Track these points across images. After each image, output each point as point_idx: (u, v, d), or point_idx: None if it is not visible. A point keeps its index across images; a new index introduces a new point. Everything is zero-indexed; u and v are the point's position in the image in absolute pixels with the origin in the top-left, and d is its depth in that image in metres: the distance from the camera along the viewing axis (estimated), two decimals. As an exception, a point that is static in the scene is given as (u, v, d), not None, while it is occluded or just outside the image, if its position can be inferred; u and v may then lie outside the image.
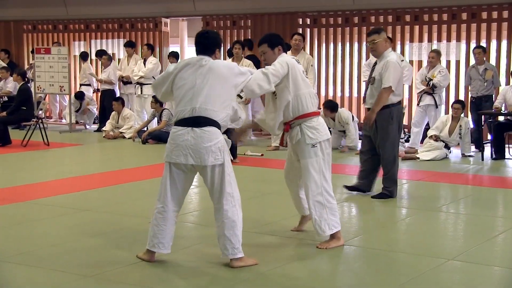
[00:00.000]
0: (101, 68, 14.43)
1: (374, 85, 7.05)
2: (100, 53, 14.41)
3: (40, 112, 13.27)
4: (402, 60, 11.33)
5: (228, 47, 12.73)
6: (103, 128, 13.11)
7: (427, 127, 11.04)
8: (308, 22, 13.29)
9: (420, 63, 12.16)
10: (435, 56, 11.01)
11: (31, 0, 16.22)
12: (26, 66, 15.94)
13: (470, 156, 10.40)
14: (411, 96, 12.42)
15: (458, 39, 12.01)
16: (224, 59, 11.85)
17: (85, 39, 16.00)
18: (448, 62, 12.04)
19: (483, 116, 10.59)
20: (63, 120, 15.51)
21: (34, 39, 16.62)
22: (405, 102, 12.45)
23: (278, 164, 8.38)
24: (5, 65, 15.31)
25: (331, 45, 13.15)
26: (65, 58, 13.47)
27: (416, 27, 12.33)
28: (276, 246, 5.47)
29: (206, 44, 4.88)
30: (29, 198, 7.27)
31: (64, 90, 13.53)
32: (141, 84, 13.15)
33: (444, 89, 11.27)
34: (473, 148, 10.69)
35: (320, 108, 11.02)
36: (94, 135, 13.54)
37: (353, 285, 4.64)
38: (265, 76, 5.06)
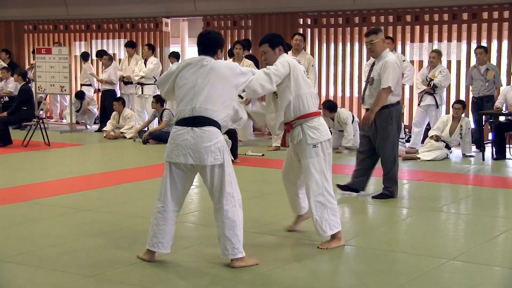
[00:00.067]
0: (102, 68, 14.43)
1: (373, 86, 7.05)
2: (101, 53, 14.42)
3: (41, 112, 13.26)
4: (404, 61, 11.37)
5: (229, 47, 12.73)
6: (104, 128, 13.12)
7: (428, 127, 11.04)
8: (309, 22, 13.29)
9: (421, 63, 12.15)
10: (436, 56, 11.00)
11: (31, 0, 16.23)
12: (27, 66, 15.94)
13: (471, 156, 10.40)
14: (411, 96, 12.42)
15: (459, 39, 12.00)
16: (225, 59, 11.84)
17: (86, 39, 16.01)
18: (449, 62, 12.04)
19: (484, 116, 10.58)
20: (64, 120, 15.51)
21: (35, 39, 16.63)
22: (406, 102, 12.47)
23: (278, 164, 8.36)
24: (6, 65, 15.32)
25: (332, 45, 13.15)
26: (66, 58, 13.47)
27: (417, 27, 12.33)
28: (276, 246, 5.47)
29: (208, 44, 4.88)
30: (29, 198, 7.27)
31: (65, 90, 13.54)
32: (142, 84, 13.15)
33: (445, 89, 11.26)
34: (474, 148, 10.68)
35: (320, 108, 11.06)
36: (95, 135, 13.54)
37: (353, 285, 4.63)
38: (267, 76, 5.06)
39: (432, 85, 10.84)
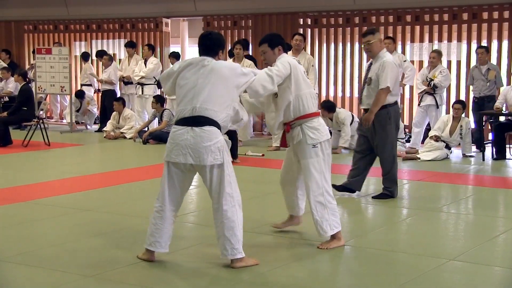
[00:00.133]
0: (102, 68, 14.43)
1: (371, 86, 7.04)
2: (101, 54, 14.43)
3: (41, 112, 13.27)
4: (405, 61, 11.38)
5: (229, 48, 12.72)
6: (104, 129, 13.12)
7: (428, 128, 11.04)
8: (309, 22, 13.29)
9: (421, 63, 12.16)
10: (436, 56, 11.00)
11: (32, 0, 16.23)
12: (27, 66, 15.94)
13: (471, 156, 10.40)
14: (412, 96, 12.42)
15: (459, 39, 12.01)
16: (225, 59, 11.84)
17: (86, 39, 16.01)
18: (449, 62, 12.04)
19: (484, 116, 10.57)
20: (64, 120, 15.51)
21: (35, 39, 16.64)
22: (406, 102, 12.48)
23: (278, 164, 8.35)
24: (6, 65, 15.32)
25: (332, 45, 13.15)
26: (66, 58, 13.47)
27: (417, 27, 12.33)
28: (276, 246, 5.47)
29: (209, 45, 4.89)
30: (29, 198, 7.27)
31: (65, 90, 13.54)
32: (142, 85, 13.15)
33: (445, 89, 11.26)
34: (474, 148, 10.68)
35: (319, 109, 11.05)
36: (95, 135, 13.54)
37: (353, 285, 4.63)
38: (269, 77, 5.06)
39: (432, 85, 10.84)
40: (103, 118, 13.77)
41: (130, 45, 13.99)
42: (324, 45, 13.26)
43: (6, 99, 14.26)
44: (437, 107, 10.96)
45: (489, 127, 11.04)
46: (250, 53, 12.99)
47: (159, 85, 13.38)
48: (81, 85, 14.99)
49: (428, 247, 5.43)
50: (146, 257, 4.94)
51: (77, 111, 14.45)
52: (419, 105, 11.15)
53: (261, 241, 5.56)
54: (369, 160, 7.31)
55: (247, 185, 7.97)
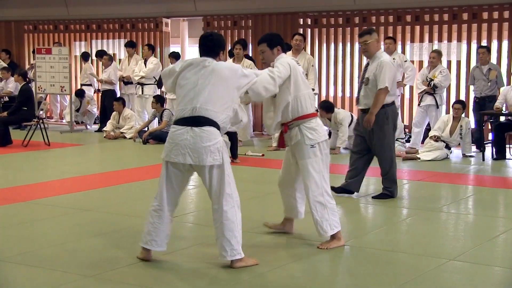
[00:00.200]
0: (102, 68, 14.43)
1: (368, 86, 7.02)
2: (101, 53, 14.43)
3: (41, 112, 13.27)
4: (406, 61, 11.37)
5: (229, 48, 12.73)
6: (104, 128, 13.12)
7: (428, 128, 11.04)
8: (309, 22, 13.29)
9: (421, 63, 12.15)
10: (436, 56, 11.00)
11: (32, 0, 16.23)
12: (27, 66, 15.94)
13: (471, 156, 10.40)
14: (412, 96, 12.42)
15: (459, 39, 12.01)
16: (225, 59, 11.85)
17: (86, 39, 16.01)
18: (449, 62, 12.04)
19: (485, 116, 10.56)
20: (64, 120, 15.51)
21: (35, 39, 16.63)
22: (406, 102, 12.49)
23: (278, 164, 8.36)
24: (6, 65, 15.32)
25: (332, 45, 13.15)
26: (66, 58, 13.47)
27: (417, 27, 12.33)
28: (276, 246, 5.47)
29: (210, 46, 4.88)
30: (29, 198, 7.27)
31: (65, 90, 13.54)
32: (142, 85, 13.15)
33: (445, 89, 11.26)
34: (474, 148, 10.68)
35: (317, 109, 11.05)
36: (94, 135, 13.54)
37: (353, 285, 4.63)
38: (272, 79, 5.06)
39: (432, 85, 10.84)
40: (103, 118, 13.77)
41: (130, 45, 13.99)
42: (324, 45, 13.26)
43: (6, 99, 14.26)
44: (437, 107, 10.96)
45: (489, 127, 11.04)
46: (250, 53, 13.00)
47: (159, 85, 13.39)
48: (81, 85, 14.99)
49: (428, 247, 5.43)
50: (142, 256, 4.94)
51: (77, 110, 14.44)
52: (419, 105, 11.15)
53: (260, 241, 5.56)
54: (366, 161, 7.31)
55: (247, 185, 7.97)
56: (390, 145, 7.18)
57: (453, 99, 11.79)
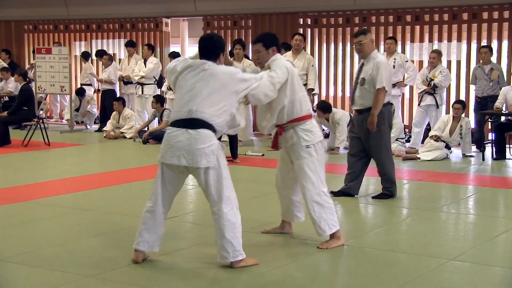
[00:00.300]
0: (102, 68, 14.44)
1: (364, 86, 7.01)
2: (101, 53, 14.43)
3: (41, 112, 13.27)
4: (407, 61, 11.37)
5: (229, 48, 12.72)
6: (104, 128, 13.12)
7: (428, 127, 11.03)
8: (309, 22, 13.29)
9: (421, 63, 12.15)
10: (436, 56, 10.99)
11: (32, 0, 16.23)
12: (27, 66, 15.94)
13: (471, 156, 10.40)
14: (412, 96, 12.42)
15: (459, 39, 12.01)
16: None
17: (86, 39, 16.01)
18: (449, 62, 12.04)
19: (486, 116, 10.54)
20: (64, 120, 15.50)
21: (35, 39, 16.63)
22: (406, 102, 12.49)
23: (278, 164, 8.41)
24: (6, 65, 15.32)
25: (332, 45, 13.15)
26: (66, 58, 13.47)
27: (417, 27, 12.33)
28: (275, 246, 5.47)
29: (211, 48, 4.87)
30: (29, 198, 7.27)
31: (65, 90, 13.54)
32: (142, 84, 13.15)
33: (445, 89, 11.26)
34: (474, 148, 10.68)
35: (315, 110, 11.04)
36: (94, 135, 13.54)
37: (353, 285, 4.63)
38: (272, 85, 5.06)
39: (432, 85, 10.84)
40: (103, 118, 13.77)
41: (130, 45, 13.99)
42: (324, 45, 13.26)
43: (6, 99, 14.27)
44: (437, 107, 10.96)
45: (489, 127, 11.03)
46: (250, 53, 12.99)
47: (159, 85, 13.40)
48: (81, 84, 14.97)
49: (428, 247, 5.43)
50: (134, 257, 4.93)
51: (77, 110, 14.42)
52: (419, 105, 11.15)
53: (260, 241, 5.56)
54: (364, 163, 7.30)
55: (247, 185, 7.98)
56: (387, 145, 7.18)
57: (453, 99, 11.78)
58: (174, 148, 4.71)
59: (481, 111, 10.64)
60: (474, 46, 11.83)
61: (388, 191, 7.23)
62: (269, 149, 10.90)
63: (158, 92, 13.33)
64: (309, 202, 5.29)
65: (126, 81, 13.71)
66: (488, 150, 10.41)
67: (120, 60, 14.89)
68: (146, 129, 12.39)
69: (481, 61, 11.03)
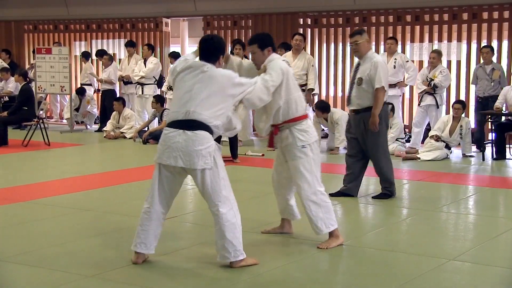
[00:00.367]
0: (102, 68, 14.44)
1: (361, 86, 6.99)
2: (101, 53, 14.43)
3: (41, 112, 13.27)
4: (407, 61, 11.37)
5: (229, 48, 12.72)
6: (104, 128, 13.12)
7: (428, 127, 11.03)
8: (309, 22, 13.29)
9: (421, 63, 12.15)
10: (436, 56, 10.99)
11: (32, 0, 16.22)
12: (27, 66, 15.94)
13: (471, 156, 10.40)
14: (412, 96, 12.42)
15: (459, 39, 12.00)
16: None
17: (86, 39, 16.01)
18: (449, 62, 12.04)
19: (487, 116, 10.53)
20: (64, 120, 15.50)
21: (35, 39, 16.63)
22: (406, 102, 12.49)
23: (278, 164, 8.41)
24: (6, 65, 15.31)
25: (332, 45, 13.16)
26: (66, 58, 13.47)
27: (417, 27, 12.33)
28: (275, 246, 5.47)
29: (211, 50, 4.87)
30: (29, 198, 7.27)
31: (65, 90, 13.54)
32: (142, 84, 13.15)
33: (445, 89, 11.26)
34: (474, 148, 10.68)
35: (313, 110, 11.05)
36: (95, 135, 13.54)
37: (353, 285, 4.63)
38: (266, 89, 5.06)
39: (432, 85, 10.84)
40: (103, 118, 13.77)
41: (131, 45, 13.99)
42: (324, 45, 13.26)
43: (6, 99, 14.26)
44: (437, 107, 10.96)
45: (489, 127, 11.03)
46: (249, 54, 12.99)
47: (159, 85, 13.40)
48: (81, 84, 14.98)
49: (428, 247, 5.43)
50: (134, 259, 4.92)
51: (76, 110, 14.41)
52: (419, 105, 11.15)
53: (260, 241, 5.56)
54: (363, 164, 7.29)
55: (247, 185, 7.98)
56: (383, 145, 7.19)
57: (453, 99, 11.78)
58: (171, 149, 4.70)
59: (481, 111, 10.64)
60: (474, 46, 11.83)
61: (387, 191, 7.23)
62: (269, 149, 10.97)
63: (158, 92, 13.33)
64: (305, 201, 5.29)
65: (126, 81, 13.71)
66: (488, 150, 10.41)
67: (120, 60, 14.89)
68: (146, 129, 12.39)
69: (481, 61, 11.03)
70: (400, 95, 11.59)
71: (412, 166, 9.66)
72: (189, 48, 15.67)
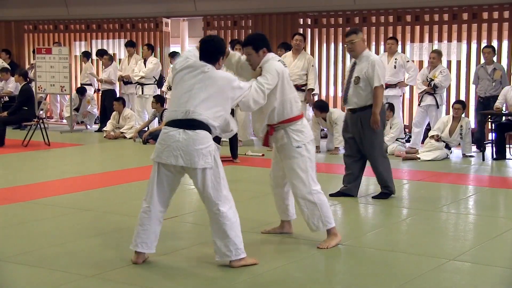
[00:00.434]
0: (102, 68, 14.44)
1: (359, 85, 6.98)
2: (101, 53, 14.43)
3: (41, 112, 13.27)
4: (408, 61, 11.37)
5: (229, 48, 12.72)
6: (104, 128, 13.12)
7: (428, 128, 11.03)
8: (309, 22, 13.29)
9: (421, 63, 12.15)
10: (436, 56, 10.99)
11: (32, 0, 16.22)
12: (27, 66, 15.94)
13: (471, 156, 10.40)
14: (412, 96, 12.42)
15: (459, 39, 12.01)
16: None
17: (86, 39, 16.01)
18: (449, 62, 12.04)
19: (488, 116, 10.52)
20: (64, 120, 15.50)
21: (35, 39, 16.63)
22: (406, 102, 12.49)
23: (278, 164, 8.41)
24: (6, 65, 15.32)
25: (332, 45, 13.15)
26: (66, 58, 13.47)
27: (417, 27, 12.33)
28: (275, 246, 5.47)
29: (211, 51, 4.86)
30: (29, 198, 7.27)
31: (65, 90, 13.54)
32: (142, 85, 13.15)
33: (445, 89, 11.26)
34: (474, 148, 10.68)
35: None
36: (95, 135, 13.54)
37: (353, 285, 4.63)
38: (261, 92, 5.06)
39: (432, 85, 10.84)
40: (103, 118, 13.77)
41: (131, 45, 13.99)
42: (324, 45, 13.26)
43: (6, 99, 14.27)
44: (437, 107, 10.96)
45: (489, 127, 11.02)
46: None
47: (159, 85, 13.40)
48: (81, 84, 14.98)
49: (428, 247, 5.43)
50: (134, 258, 4.92)
51: (76, 110, 14.41)
52: (419, 105, 11.15)
53: (260, 241, 5.56)
54: (362, 164, 7.29)
55: (247, 185, 7.98)
56: (380, 144, 7.20)
57: (453, 99, 11.78)
58: (171, 148, 4.70)
59: (481, 111, 10.63)
60: (474, 46, 11.83)
61: (387, 190, 7.23)
62: (269, 149, 10.94)
63: (158, 92, 13.33)
64: (300, 200, 5.30)
65: (126, 81, 13.71)
66: (488, 150, 10.41)
67: (120, 60, 14.89)
68: (146, 129, 12.39)
69: (482, 61, 11.02)
70: (401, 95, 11.59)
71: (412, 166, 9.66)
72: (189, 48, 15.64)
